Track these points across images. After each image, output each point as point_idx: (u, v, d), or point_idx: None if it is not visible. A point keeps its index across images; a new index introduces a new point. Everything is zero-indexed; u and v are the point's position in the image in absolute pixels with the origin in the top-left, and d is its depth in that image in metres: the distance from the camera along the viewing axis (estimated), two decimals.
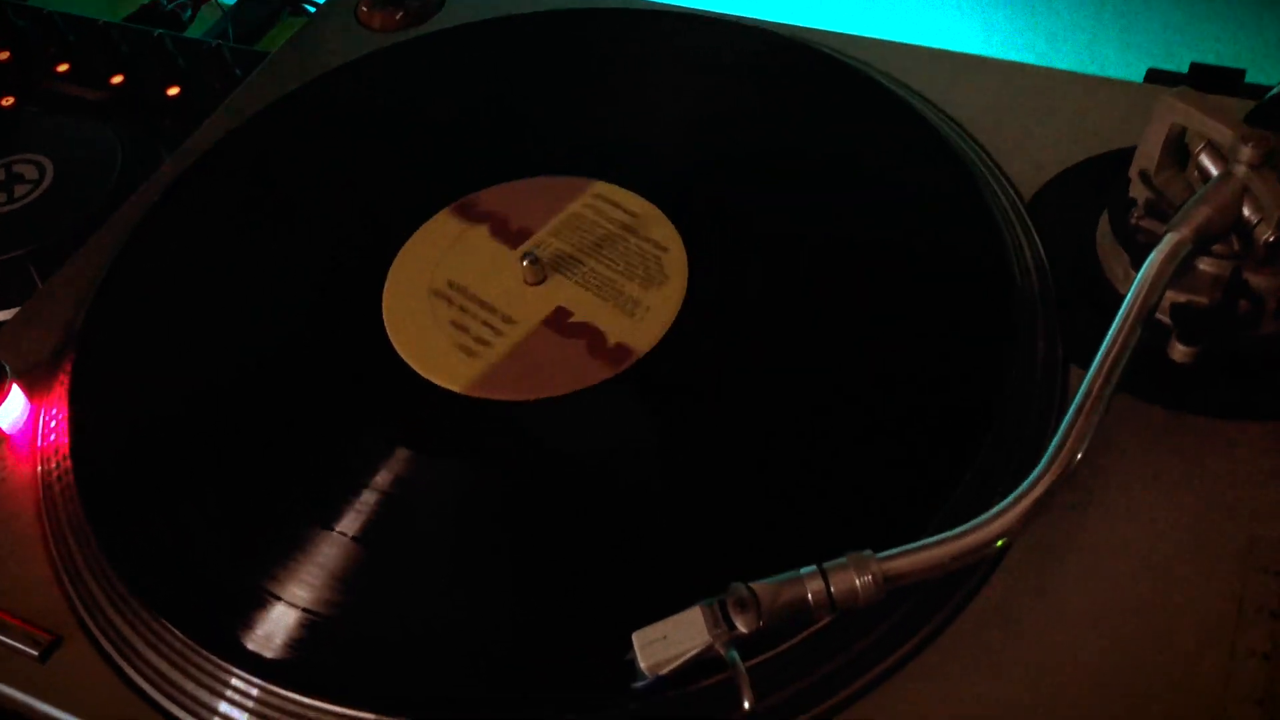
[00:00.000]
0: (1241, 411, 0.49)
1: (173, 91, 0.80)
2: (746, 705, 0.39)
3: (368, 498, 0.50)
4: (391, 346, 0.56)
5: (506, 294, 0.57)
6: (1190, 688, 0.43)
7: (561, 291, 0.57)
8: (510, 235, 0.60)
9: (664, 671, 0.41)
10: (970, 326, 0.53)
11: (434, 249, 0.60)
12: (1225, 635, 0.43)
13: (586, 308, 0.56)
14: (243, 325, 0.59)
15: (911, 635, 0.45)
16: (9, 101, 0.81)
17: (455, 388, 0.53)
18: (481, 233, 0.60)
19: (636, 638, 0.42)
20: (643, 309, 0.55)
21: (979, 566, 0.46)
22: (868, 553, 0.42)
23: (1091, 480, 0.48)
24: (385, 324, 0.57)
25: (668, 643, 0.41)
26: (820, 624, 0.44)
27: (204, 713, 0.46)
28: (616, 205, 0.60)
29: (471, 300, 0.57)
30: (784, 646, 0.44)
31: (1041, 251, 0.57)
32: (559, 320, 0.56)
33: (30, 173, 0.74)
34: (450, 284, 0.58)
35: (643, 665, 0.41)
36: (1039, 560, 0.47)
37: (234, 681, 0.46)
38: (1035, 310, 0.54)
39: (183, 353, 0.58)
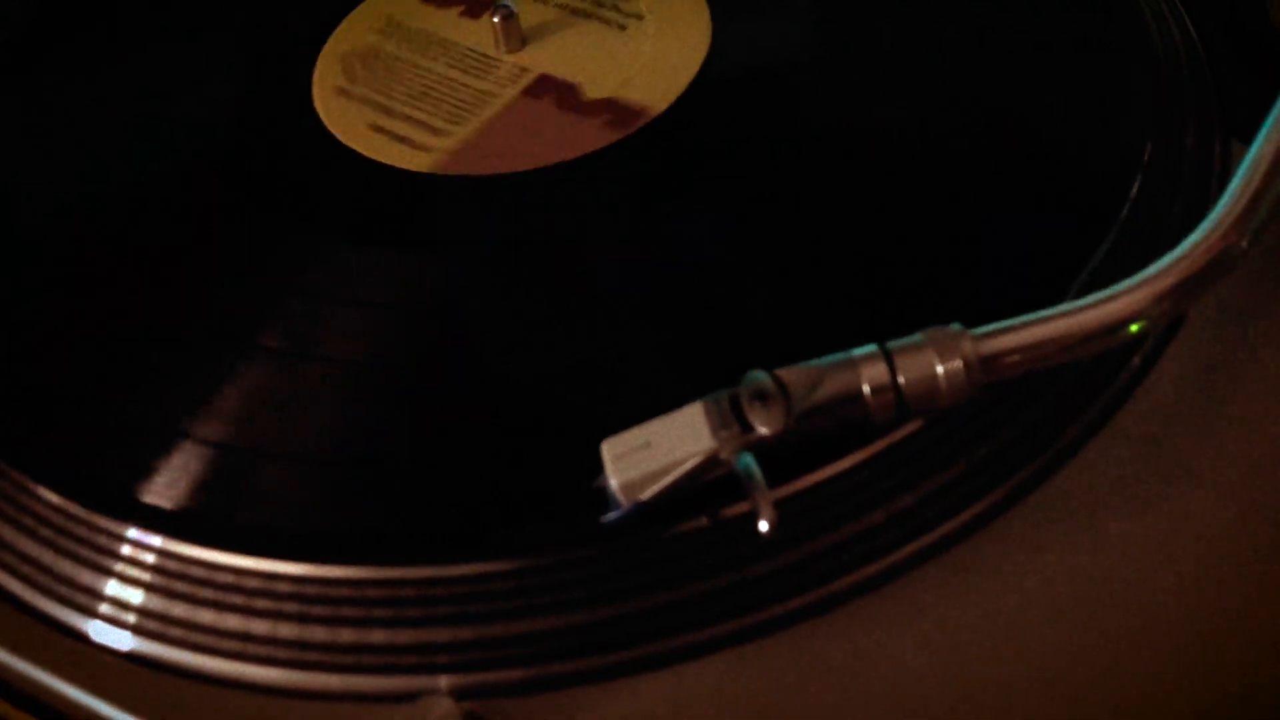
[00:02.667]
0: None
1: None
2: (765, 527, 0.25)
3: (315, 308, 0.37)
4: (329, 132, 0.44)
5: (473, 63, 0.45)
6: None
7: (544, 55, 0.45)
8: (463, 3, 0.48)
9: (644, 496, 0.28)
10: (1100, 116, 0.39)
11: (369, 33, 0.48)
12: None
13: (578, 66, 0.44)
14: (143, 128, 0.46)
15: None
16: None
17: (418, 168, 0.41)
18: (426, 9, 0.48)
19: (606, 448, 0.28)
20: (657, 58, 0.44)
21: (1109, 381, 0.33)
22: (956, 327, 0.28)
23: (1262, 275, 0.35)
24: (319, 113, 0.44)
25: (651, 452, 0.28)
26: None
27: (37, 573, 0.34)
28: None
29: (431, 78, 0.45)
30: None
31: (1189, 24, 0.43)
32: (547, 85, 0.44)
33: None
34: (397, 60, 0.46)
35: (613, 484, 0.28)
36: (1196, 375, 0.33)
37: (122, 546, 0.33)
38: (1183, 92, 0.40)
39: (68, 150, 0.46)
